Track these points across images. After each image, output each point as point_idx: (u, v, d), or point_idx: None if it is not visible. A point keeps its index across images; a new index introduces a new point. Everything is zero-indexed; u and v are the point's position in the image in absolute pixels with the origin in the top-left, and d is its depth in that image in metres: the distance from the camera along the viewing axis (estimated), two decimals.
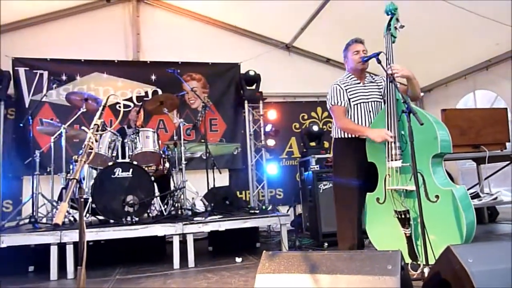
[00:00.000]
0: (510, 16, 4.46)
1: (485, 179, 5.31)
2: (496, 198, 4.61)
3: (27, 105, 5.51)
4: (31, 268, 3.87)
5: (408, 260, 2.57)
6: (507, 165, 4.98)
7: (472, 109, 5.66)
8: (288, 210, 5.62)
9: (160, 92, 5.93)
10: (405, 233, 2.61)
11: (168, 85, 5.87)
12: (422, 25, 4.79)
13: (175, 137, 4.89)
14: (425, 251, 2.36)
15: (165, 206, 4.46)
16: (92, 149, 1.54)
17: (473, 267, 1.63)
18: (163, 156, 4.70)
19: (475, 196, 4.60)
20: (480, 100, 5.91)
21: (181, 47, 6.18)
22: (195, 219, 3.95)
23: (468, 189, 5.03)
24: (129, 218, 3.78)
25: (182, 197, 4.48)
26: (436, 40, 5.32)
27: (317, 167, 5.09)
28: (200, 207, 4.66)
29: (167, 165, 4.75)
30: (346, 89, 3.01)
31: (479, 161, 5.15)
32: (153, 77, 6.09)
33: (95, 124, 1.64)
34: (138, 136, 4.33)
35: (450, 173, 5.40)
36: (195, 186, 4.81)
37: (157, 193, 4.32)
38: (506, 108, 4.95)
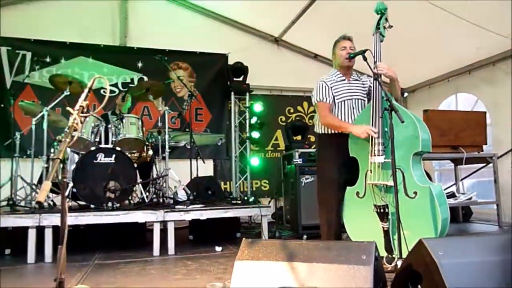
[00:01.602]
0: (492, 22, 4.57)
1: (462, 179, 5.47)
2: (470, 198, 4.76)
3: (8, 86, 5.40)
4: (7, 251, 3.83)
5: (384, 253, 2.65)
6: (483, 167, 5.14)
7: (453, 111, 5.81)
8: (269, 202, 5.67)
9: (146, 79, 5.88)
10: (383, 227, 2.69)
11: (154, 72, 5.83)
12: (408, 26, 4.85)
13: (159, 125, 4.87)
14: (399, 244, 2.44)
15: (147, 194, 4.44)
16: (76, 130, 1.54)
17: (443, 259, 1.70)
18: (147, 143, 4.69)
19: (451, 195, 4.75)
20: (462, 102, 6.06)
21: (169, 35, 6.12)
22: (176, 207, 3.96)
23: (444, 189, 5.22)
24: (110, 204, 3.78)
25: (164, 185, 4.47)
26: (421, 42, 5.42)
27: (300, 161, 5.15)
28: (182, 196, 4.65)
29: (150, 152, 4.74)
30: (331, 87, 3.05)
31: (456, 162, 5.29)
32: (140, 64, 6.04)
33: (80, 106, 1.64)
34: (122, 122, 4.30)
35: (428, 172, 5.54)
36: (178, 175, 4.80)
37: (139, 180, 4.30)
38: (485, 112, 5.10)
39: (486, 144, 4.90)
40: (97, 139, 4.19)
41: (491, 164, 4.86)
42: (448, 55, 5.62)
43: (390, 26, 3.02)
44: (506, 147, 5.05)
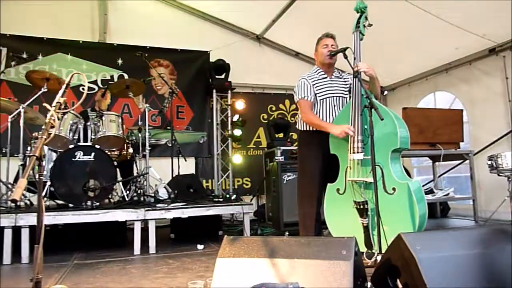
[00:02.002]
0: (469, 22, 4.69)
1: (439, 176, 5.60)
2: (448, 194, 4.88)
3: None
4: None
5: (363, 249, 2.69)
6: (460, 163, 5.28)
7: (431, 109, 5.93)
8: (251, 200, 5.68)
9: (126, 76, 5.80)
10: (363, 223, 2.73)
11: (134, 70, 5.75)
12: (388, 26, 4.93)
13: (140, 123, 4.81)
14: (379, 240, 2.48)
15: (128, 192, 4.40)
16: (53, 127, 1.51)
17: (420, 253, 1.73)
18: (127, 141, 4.64)
19: (429, 191, 4.85)
20: (440, 100, 6.20)
21: (150, 32, 6.06)
22: (157, 205, 3.93)
23: (423, 185, 5.31)
24: (89, 203, 3.71)
25: (145, 183, 4.43)
26: (400, 42, 5.51)
27: (282, 159, 5.18)
28: (163, 194, 4.61)
29: (130, 150, 4.69)
30: (313, 84, 3.08)
31: (435, 159, 5.42)
32: (120, 61, 5.95)
33: (57, 102, 1.61)
34: (102, 119, 4.23)
35: (407, 168, 5.64)
36: (159, 173, 4.75)
37: (119, 178, 4.25)
38: (462, 110, 5.22)
39: (462, 141, 5.03)
40: (76, 137, 4.11)
41: (467, 161, 4.99)
42: (427, 54, 5.73)
43: (370, 25, 3.06)
44: (482, 144, 5.19)
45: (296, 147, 5.09)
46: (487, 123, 5.24)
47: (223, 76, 6.22)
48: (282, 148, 5.39)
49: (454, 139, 4.97)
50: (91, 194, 3.77)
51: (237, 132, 6.15)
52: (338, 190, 2.92)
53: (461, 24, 4.73)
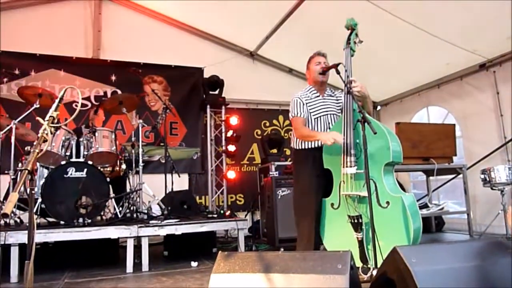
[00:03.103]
0: (459, 37, 4.79)
1: (433, 190, 5.63)
2: (442, 208, 4.90)
3: None
4: None
5: (359, 263, 2.68)
6: (454, 177, 5.31)
7: (423, 123, 6.00)
8: (246, 215, 5.66)
9: (119, 92, 5.80)
10: (357, 238, 2.73)
11: (128, 86, 5.79)
12: (380, 41, 5.03)
13: (133, 139, 4.82)
14: (374, 254, 2.48)
15: (120, 209, 4.36)
16: (46, 141, 1.51)
17: (416, 266, 1.74)
18: (120, 157, 4.63)
19: (424, 206, 4.87)
20: (434, 115, 6.27)
21: (143, 48, 6.11)
22: (151, 222, 3.90)
23: (418, 200, 5.33)
24: (81, 220, 3.67)
25: (138, 200, 4.43)
26: (392, 57, 5.61)
27: (276, 174, 5.18)
28: (156, 211, 4.62)
29: (123, 166, 4.67)
30: (306, 103, 3.13)
31: (428, 173, 5.45)
32: (113, 78, 5.97)
33: (50, 116, 1.61)
34: (95, 135, 4.23)
35: (402, 183, 5.67)
36: (152, 190, 4.75)
37: (112, 195, 4.21)
38: (454, 124, 5.29)
39: (455, 155, 5.07)
40: (68, 153, 4.10)
41: (461, 175, 5.02)
42: (419, 69, 5.82)
43: (360, 41, 3.11)
44: (476, 158, 5.23)
45: (290, 163, 5.15)
46: (480, 137, 5.31)
47: (217, 92, 6.27)
48: (276, 163, 5.39)
49: (447, 153, 5.02)
50: (83, 211, 3.73)
51: (231, 148, 6.16)
52: (332, 204, 2.93)
53: (452, 40, 4.83)
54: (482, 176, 4.28)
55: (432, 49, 5.10)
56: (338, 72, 2.94)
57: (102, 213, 4.16)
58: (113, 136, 4.39)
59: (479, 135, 5.33)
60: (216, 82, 6.23)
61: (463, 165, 5.05)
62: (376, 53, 5.13)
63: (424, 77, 6.03)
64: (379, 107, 7.33)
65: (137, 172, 4.53)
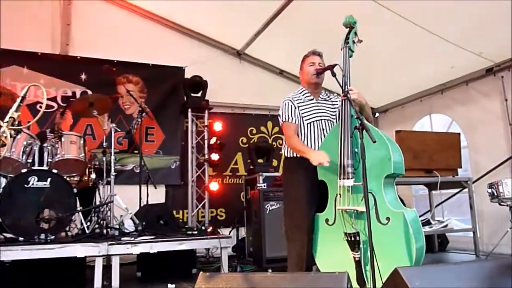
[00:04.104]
0: (465, 39, 4.88)
1: (436, 206, 5.67)
2: (446, 225, 4.94)
3: None
4: None
5: (356, 286, 2.67)
6: (459, 192, 5.37)
7: (426, 132, 6.06)
8: (230, 232, 5.60)
9: (90, 93, 5.72)
10: (354, 257, 2.71)
11: (100, 86, 5.71)
12: (380, 42, 5.09)
13: (104, 145, 4.76)
14: (373, 276, 2.47)
15: (88, 224, 4.31)
16: (4, 145, 1.47)
17: None
18: (89, 165, 4.58)
19: (426, 223, 4.90)
20: (437, 123, 6.36)
21: (118, 44, 6.07)
22: (122, 239, 3.86)
23: (420, 216, 5.37)
24: (43, 236, 3.60)
25: (108, 213, 4.37)
26: (392, 59, 5.68)
27: (264, 186, 5.17)
28: (129, 226, 4.56)
29: (93, 176, 4.62)
30: (298, 106, 3.12)
31: (431, 187, 5.49)
32: (83, 76, 5.91)
33: (10, 117, 1.57)
34: (61, 140, 4.17)
35: (402, 198, 5.70)
36: (125, 202, 4.68)
37: (79, 208, 4.15)
38: (459, 134, 5.36)
39: (460, 167, 5.13)
40: (30, 160, 4.02)
41: (466, 189, 5.07)
42: (421, 73, 5.90)
43: (360, 41, 3.13)
44: (482, 170, 5.29)
45: (279, 174, 5.15)
46: (487, 148, 5.38)
47: (199, 94, 6.26)
48: (265, 174, 5.38)
49: (452, 165, 5.07)
50: (45, 225, 3.67)
51: (215, 157, 6.12)
52: (327, 220, 2.91)
53: (456, 41, 4.91)
54: (490, 191, 4.33)
55: (436, 51, 5.18)
56: (334, 74, 2.94)
57: (67, 229, 4.08)
58: (82, 142, 4.34)
59: (486, 145, 5.41)
60: (199, 84, 6.21)
61: (468, 178, 5.11)
62: (375, 54, 5.18)
63: (427, 81, 6.12)
64: (377, 114, 7.40)
65: (108, 183, 4.47)
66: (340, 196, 2.82)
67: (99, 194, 4.65)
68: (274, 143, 6.88)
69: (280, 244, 3.13)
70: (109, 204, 4.36)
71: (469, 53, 5.06)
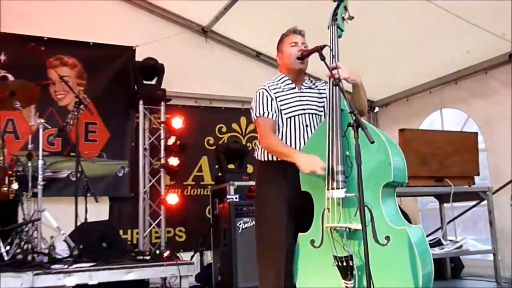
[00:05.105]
0: (484, 18, 4.97)
1: (449, 222, 5.77)
2: (461, 246, 5.03)
3: None
4: None
5: None
6: (476, 205, 5.46)
7: (436, 131, 6.16)
8: (192, 257, 5.59)
9: (11, 78, 5.64)
10: (347, 287, 2.74)
11: (24, 69, 5.62)
12: (379, 21, 5.15)
13: (29, 146, 4.69)
14: None
15: (8, 248, 4.25)
16: None
17: None
18: (10, 172, 4.53)
19: (436, 243, 4.98)
20: (449, 120, 6.49)
21: (49, 17, 6.01)
22: (53, 267, 3.85)
23: (429, 235, 5.45)
24: None
25: (35, 234, 4.35)
26: (396, 42, 5.78)
27: (236, 198, 5.17)
28: (62, 251, 4.55)
29: (14, 186, 4.57)
30: (276, 97, 3.12)
31: (442, 199, 5.58)
32: (2, 57, 5.81)
33: None
34: None
35: (406, 212, 5.79)
36: (56, 220, 4.62)
37: None
38: (476, 133, 5.44)
39: (478, 174, 5.22)
40: None
41: (485, 201, 5.17)
42: (430, 59, 6.03)
43: (351, 18, 3.14)
44: (505, 179, 5.40)
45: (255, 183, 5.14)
46: (510, 151, 5.48)
47: (154, 82, 6.26)
48: (237, 183, 5.39)
49: (467, 172, 5.15)
50: None
51: (173, 161, 6.09)
52: (312, 242, 2.92)
53: (473, 19, 4.99)
54: None
55: (448, 32, 5.27)
56: (322, 58, 2.96)
57: None
58: (0, 142, 4.29)
59: (508, 147, 5.49)
60: (153, 68, 6.20)
61: (488, 188, 5.20)
62: (373, 35, 5.25)
63: (437, 69, 6.24)
64: (376, 109, 7.50)
65: (35, 195, 4.44)
66: (329, 211, 2.84)
67: (23, 209, 4.60)
68: (248, 144, 6.90)
69: (256, 271, 3.13)
70: (35, 223, 4.32)
71: (489, 34, 5.16)
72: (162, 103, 6.34)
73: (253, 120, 3.19)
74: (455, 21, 5.01)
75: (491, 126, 5.76)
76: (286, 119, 3.12)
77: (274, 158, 3.09)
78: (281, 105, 3.12)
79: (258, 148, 3.20)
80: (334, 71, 2.89)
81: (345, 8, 3.13)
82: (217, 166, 6.28)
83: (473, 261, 5.88)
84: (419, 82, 6.66)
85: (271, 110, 3.09)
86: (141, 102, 6.25)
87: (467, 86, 6.09)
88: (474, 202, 5.50)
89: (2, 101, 4.50)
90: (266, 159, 3.14)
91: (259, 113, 3.11)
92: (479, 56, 5.72)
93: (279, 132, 3.11)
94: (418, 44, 5.70)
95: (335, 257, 2.78)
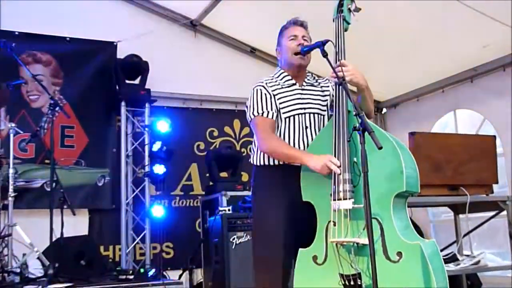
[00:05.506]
0: (503, 10, 4.97)
1: (465, 235, 5.76)
2: (478, 262, 5.01)
3: None
4: None
5: None
6: (494, 215, 5.46)
7: (450, 134, 6.16)
8: (180, 276, 5.57)
9: None
10: None
11: None
12: (388, 14, 5.15)
13: None
14: None
15: None
16: None
17: None
18: None
19: (451, 258, 4.97)
20: (464, 123, 6.50)
21: (20, 9, 5.98)
22: (25, 287, 3.85)
23: (442, 249, 5.42)
24: None
25: (5, 252, 4.36)
26: (406, 38, 5.78)
27: (229, 210, 5.15)
28: (35, 270, 4.54)
29: None
30: (275, 94, 3.11)
31: (457, 209, 5.58)
32: None
33: None
34: None
35: (417, 225, 5.78)
36: (29, 236, 4.60)
37: None
38: (494, 137, 5.45)
39: (496, 182, 5.21)
40: None
41: (504, 212, 5.17)
42: (443, 56, 6.02)
43: (358, 9, 3.15)
44: None
45: (250, 193, 5.12)
46: None
47: (137, 81, 6.26)
48: (230, 193, 5.38)
49: (485, 179, 5.14)
50: None
51: (159, 169, 6.07)
52: (315, 258, 2.91)
53: (490, 12, 5.01)
54: None
55: (463, 25, 5.28)
56: (325, 54, 2.95)
57: None
58: None
59: None
60: (137, 66, 6.20)
61: (507, 197, 5.20)
62: (381, 29, 5.25)
63: (451, 66, 6.24)
64: (384, 110, 7.51)
65: (5, 207, 4.44)
66: (334, 224, 2.82)
67: None
68: (243, 149, 6.90)
69: None
70: (5, 239, 4.32)
71: (507, 28, 5.18)
72: (147, 105, 6.34)
73: (249, 120, 3.15)
74: (471, 13, 5.01)
75: (510, 128, 5.76)
76: (285, 118, 3.10)
77: (272, 162, 3.07)
78: (279, 104, 3.09)
79: (254, 152, 3.18)
80: (338, 70, 2.88)
81: None
82: (208, 175, 6.28)
83: (492, 277, 5.87)
84: (430, 81, 6.67)
85: (271, 109, 3.06)
86: (123, 103, 6.24)
87: (483, 84, 6.09)
88: (492, 213, 5.48)
89: None
90: (263, 163, 3.11)
91: (257, 112, 3.08)
92: (497, 52, 5.71)
93: (277, 132, 3.09)
94: (429, 38, 5.70)
95: (341, 275, 2.77)
